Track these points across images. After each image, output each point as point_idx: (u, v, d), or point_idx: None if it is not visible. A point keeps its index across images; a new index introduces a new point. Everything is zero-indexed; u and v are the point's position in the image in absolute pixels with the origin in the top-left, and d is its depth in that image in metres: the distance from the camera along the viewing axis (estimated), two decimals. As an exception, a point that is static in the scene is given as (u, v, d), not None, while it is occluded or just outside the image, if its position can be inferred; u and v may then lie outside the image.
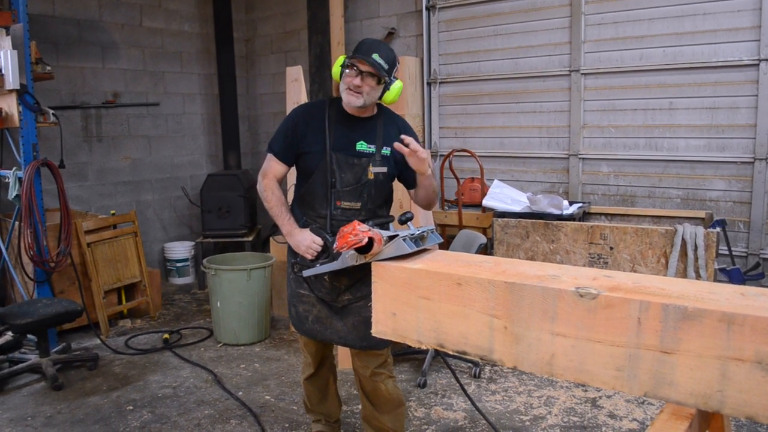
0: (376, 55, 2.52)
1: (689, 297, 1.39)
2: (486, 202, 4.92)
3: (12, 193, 4.34)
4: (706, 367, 1.31)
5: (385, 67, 2.55)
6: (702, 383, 1.32)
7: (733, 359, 1.28)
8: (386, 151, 2.67)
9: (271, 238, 5.40)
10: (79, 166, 5.96)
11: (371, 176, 2.64)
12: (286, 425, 3.46)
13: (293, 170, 2.84)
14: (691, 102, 4.60)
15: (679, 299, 1.37)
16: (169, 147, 6.76)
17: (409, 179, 2.75)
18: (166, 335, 4.80)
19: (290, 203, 2.85)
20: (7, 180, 4.40)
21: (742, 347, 1.27)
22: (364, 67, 2.54)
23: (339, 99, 2.72)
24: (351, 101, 2.58)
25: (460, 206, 5.20)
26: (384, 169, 2.67)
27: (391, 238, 1.93)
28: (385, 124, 2.72)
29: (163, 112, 6.66)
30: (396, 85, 2.63)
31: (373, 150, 2.66)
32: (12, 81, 4.11)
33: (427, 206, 2.83)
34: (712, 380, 1.31)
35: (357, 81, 2.54)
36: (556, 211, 4.48)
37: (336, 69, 2.65)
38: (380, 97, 2.64)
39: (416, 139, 2.76)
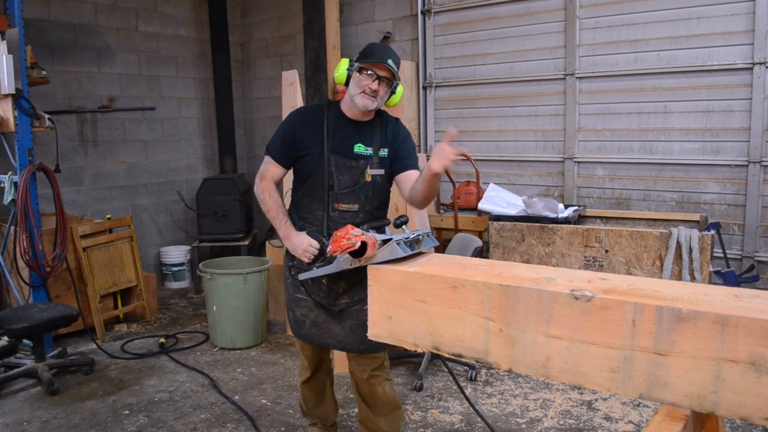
0: (391, 60, 2.57)
1: (683, 299, 1.39)
2: (482, 205, 4.93)
3: (7, 198, 4.33)
4: (700, 369, 1.32)
5: (397, 72, 2.59)
6: (696, 385, 1.33)
7: (728, 361, 1.29)
8: (383, 153, 2.70)
9: (267, 242, 5.40)
10: (74, 170, 5.95)
11: (369, 178, 2.66)
12: (283, 429, 3.45)
13: (290, 174, 2.84)
14: (685, 105, 4.62)
15: (674, 301, 1.38)
16: (164, 151, 6.75)
17: (397, 169, 2.72)
18: (162, 339, 4.78)
19: (288, 207, 2.86)
20: (2, 185, 4.40)
21: (736, 349, 1.28)
22: (382, 72, 2.57)
23: (337, 102, 2.75)
24: (367, 104, 2.60)
25: (456, 210, 5.21)
26: (381, 171, 2.69)
27: (385, 241, 1.94)
28: (383, 126, 2.74)
29: (158, 117, 6.65)
30: (399, 89, 2.70)
31: (371, 152, 2.68)
32: (7, 85, 4.11)
33: (423, 203, 2.66)
34: (706, 382, 1.32)
35: (375, 85, 2.58)
36: (552, 215, 4.49)
37: (342, 73, 2.64)
38: (386, 101, 2.69)
39: (410, 139, 2.79)
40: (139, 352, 4.65)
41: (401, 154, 2.73)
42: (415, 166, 2.73)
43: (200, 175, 7.02)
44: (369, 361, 2.81)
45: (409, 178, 2.68)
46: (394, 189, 2.86)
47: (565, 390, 3.85)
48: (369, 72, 2.56)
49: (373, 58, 2.56)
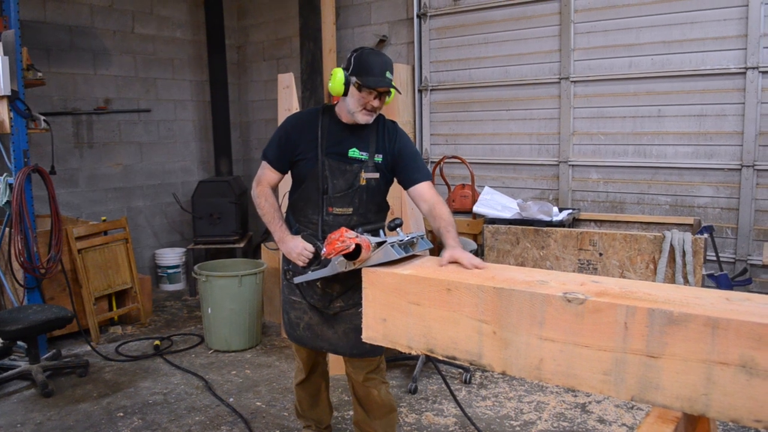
0: (388, 72, 2.54)
1: (675, 302, 1.41)
2: (477, 208, 4.94)
3: (2, 200, 4.32)
4: (691, 371, 1.33)
5: (392, 80, 2.58)
6: (687, 387, 1.34)
7: (718, 363, 1.30)
8: (378, 158, 2.68)
9: (262, 245, 5.40)
10: (70, 172, 5.94)
11: (363, 182, 2.65)
12: (277, 431, 3.45)
13: (287, 177, 2.85)
14: (679, 109, 4.64)
15: (665, 304, 1.39)
16: (160, 153, 6.75)
17: (406, 180, 2.73)
18: (157, 342, 4.78)
19: (284, 210, 2.86)
20: (-3, 186, 4.39)
21: (727, 351, 1.29)
22: (383, 89, 2.56)
23: (332, 107, 2.74)
24: (368, 120, 2.60)
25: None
26: (376, 175, 2.68)
27: (379, 244, 1.95)
28: (379, 131, 2.72)
29: (154, 119, 6.65)
30: (392, 91, 2.67)
31: (366, 157, 2.66)
32: (3, 87, 4.10)
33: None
34: (697, 384, 1.33)
35: (376, 102, 2.56)
36: (546, 218, 4.51)
37: (339, 86, 2.57)
38: None
39: (409, 143, 2.76)
40: (133, 354, 4.64)
41: (406, 164, 2.69)
42: (424, 178, 2.68)
43: (196, 177, 7.02)
44: (364, 364, 2.81)
45: (422, 194, 2.65)
46: (391, 193, 2.86)
47: (559, 392, 3.86)
48: (370, 90, 2.54)
49: (374, 77, 2.51)
